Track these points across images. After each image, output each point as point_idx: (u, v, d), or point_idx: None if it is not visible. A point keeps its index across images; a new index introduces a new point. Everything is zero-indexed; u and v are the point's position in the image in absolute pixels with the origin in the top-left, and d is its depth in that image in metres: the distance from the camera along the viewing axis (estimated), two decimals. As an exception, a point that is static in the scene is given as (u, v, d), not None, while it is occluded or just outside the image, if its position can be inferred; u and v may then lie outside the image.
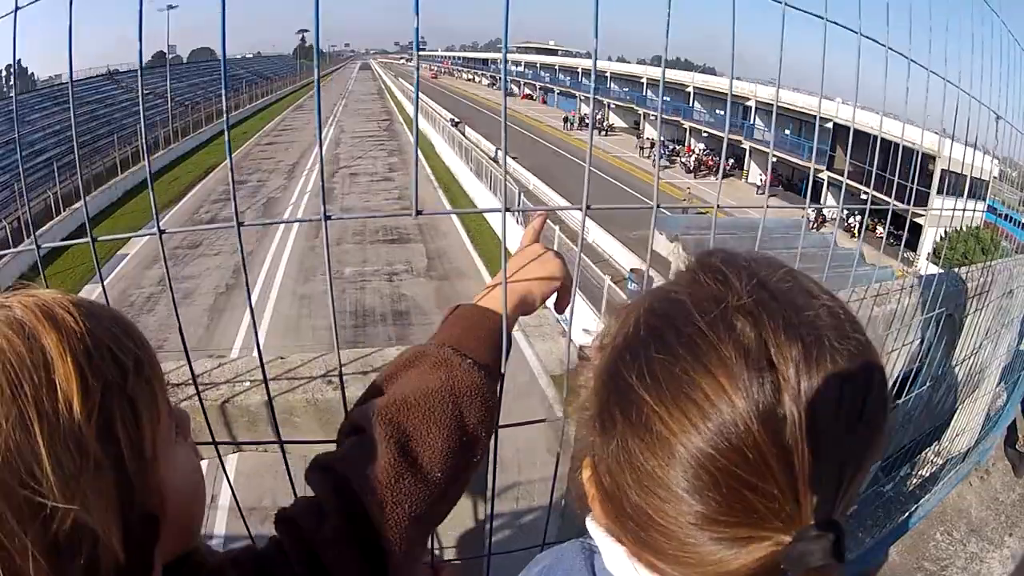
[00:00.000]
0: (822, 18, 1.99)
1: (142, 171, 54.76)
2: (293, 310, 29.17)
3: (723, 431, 0.86)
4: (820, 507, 0.85)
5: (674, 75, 73.04)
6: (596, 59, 1.58)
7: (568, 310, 1.74)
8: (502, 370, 1.56)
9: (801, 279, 1.00)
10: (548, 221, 2.30)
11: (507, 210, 1.70)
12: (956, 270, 4.46)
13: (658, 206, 1.81)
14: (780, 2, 1.91)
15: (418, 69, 1.71)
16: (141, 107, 2.57)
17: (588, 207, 1.70)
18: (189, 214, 44.28)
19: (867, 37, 2.26)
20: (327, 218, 1.61)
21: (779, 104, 50.81)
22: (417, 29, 1.46)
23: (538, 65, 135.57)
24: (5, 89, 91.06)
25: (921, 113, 2.83)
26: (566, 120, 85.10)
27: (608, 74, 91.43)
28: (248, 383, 2.32)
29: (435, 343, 1.49)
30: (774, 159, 55.69)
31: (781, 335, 0.88)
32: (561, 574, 1.25)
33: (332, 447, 1.42)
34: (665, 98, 72.92)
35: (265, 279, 32.36)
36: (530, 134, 74.48)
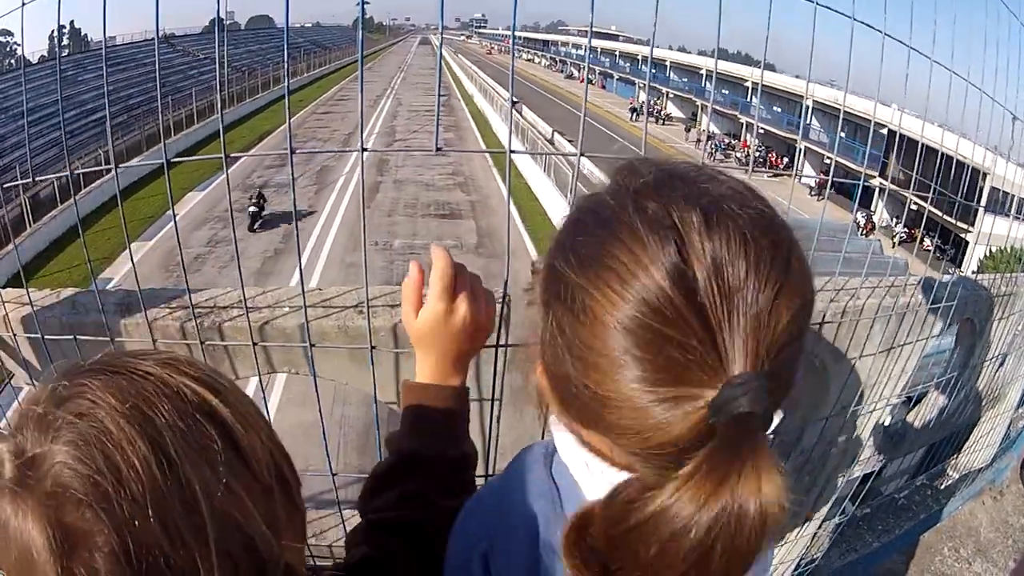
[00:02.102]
0: (882, 33, 2.11)
1: (194, 135, 55.15)
2: (340, 277, 28.95)
3: (641, 294, 0.94)
4: (742, 359, 0.91)
5: (733, 68, 71.85)
6: (653, 47, 1.70)
7: None
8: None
9: (709, 170, 1.10)
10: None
11: (511, 152, 1.85)
12: (979, 276, 4.43)
13: (583, 154, 1.94)
14: (843, 11, 2.03)
15: (442, 13, 1.85)
16: (217, 62, 2.70)
17: (583, 153, 1.84)
18: (242, 178, 44.33)
19: (920, 52, 2.37)
20: (364, 150, 1.79)
21: (826, 104, 50.22)
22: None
23: (599, 49, 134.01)
24: (57, 50, 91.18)
25: (974, 128, 2.93)
26: (633, 111, 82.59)
27: (668, 63, 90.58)
28: (287, 308, 2.47)
29: (406, 452, 1.71)
30: (828, 160, 55.02)
31: (683, 202, 0.98)
32: (523, 465, 1.38)
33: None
34: (723, 91, 72.11)
35: (315, 246, 32.31)
36: (588, 119, 73.28)
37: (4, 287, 3.04)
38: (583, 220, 1.10)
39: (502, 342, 2.28)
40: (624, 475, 1.12)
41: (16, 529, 0.85)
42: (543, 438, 1.48)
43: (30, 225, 31.84)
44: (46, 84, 54.29)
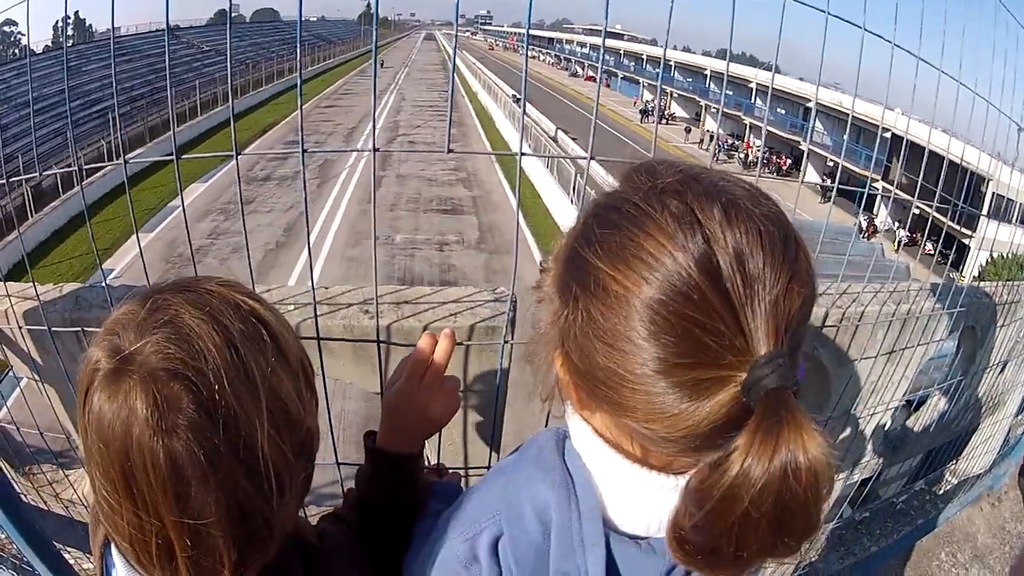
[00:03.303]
0: (892, 43, 2.11)
1: (198, 126, 55.30)
2: (340, 272, 29.06)
3: (669, 279, 1.02)
4: (766, 339, 1.00)
5: (738, 70, 71.73)
6: (666, 51, 1.72)
7: None
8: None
9: (721, 174, 1.18)
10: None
11: (521, 154, 1.88)
12: (982, 284, 4.45)
13: (593, 158, 1.98)
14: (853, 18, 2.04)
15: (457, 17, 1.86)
16: (228, 53, 2.70)
17: (593, 157, 1.87)
18: (244, 170, 44.32)
19: (927, 62, 2.38)
20: (376, 150, 1.83)
21: (830, 107, 50.19)
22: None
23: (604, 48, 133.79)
24: (62, 39, 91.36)
25: (978, 136, 2.94)
26: (643, 112, 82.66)
27: (672, 63, 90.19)
28: (293, 306, 2.47)
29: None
30: (831, 163, 55.05)
31: (703, 200, 1.07)
32: (534, 451, 1.40)
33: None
34: (728, 92, 72.08)
35: (316, 239, 32.17)
36: (591, 116, 73.08)
37: (5, 277, 3.05)
38: (607, 215, 1.15)
39: (507, 339, 2.30)
40: (638, 467, 1.23)
41: (115, 405, 1.14)
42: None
43: (32, 215, 31.82)
44: (50, 74, 54.38)
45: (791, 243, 1.07)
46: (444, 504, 1.59)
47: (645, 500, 1.23)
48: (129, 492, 1.17)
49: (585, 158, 2.07)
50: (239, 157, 1.91)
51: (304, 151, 1.86)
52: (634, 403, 1.09)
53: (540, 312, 1.31)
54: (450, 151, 1.85)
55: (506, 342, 2.31)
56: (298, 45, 1.85)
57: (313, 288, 2.28)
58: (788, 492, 0.96)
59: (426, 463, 2.06)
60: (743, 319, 1.00)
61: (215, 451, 1.16)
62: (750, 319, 1.00)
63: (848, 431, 3.84)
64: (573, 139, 54.84)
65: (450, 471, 2.28)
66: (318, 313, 2.34)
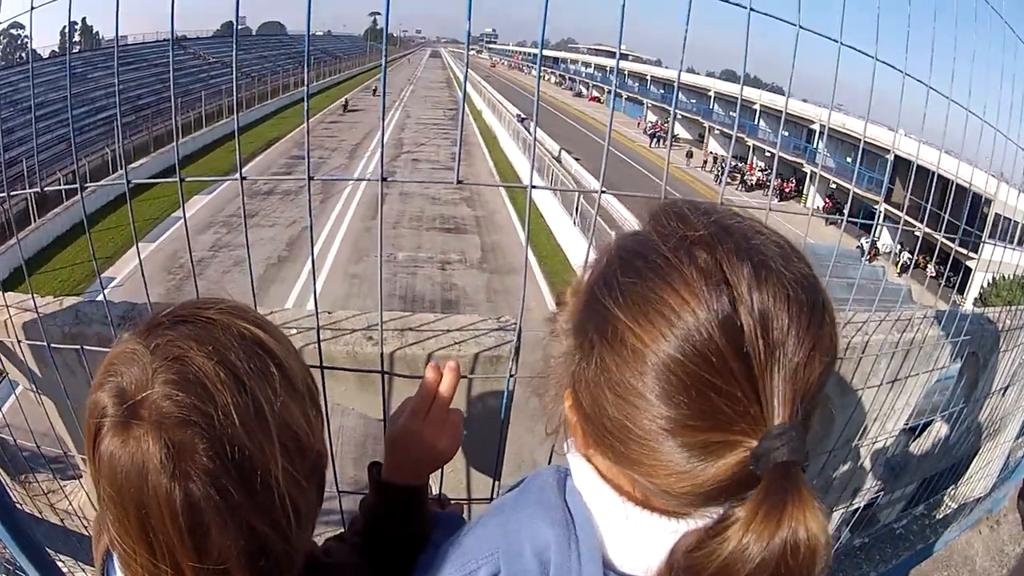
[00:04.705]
0: (903, 73, 2.11)
1: (202, 137, 55.38)
2: (343, 289, 29.09)
3: (689, 339, 0.99)
4: (782, 410, 0.98)
5: (740, 91, 71.78)
6: (680, 76, 1.72)
7: None
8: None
9: (752, 223, 1.15)
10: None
11: (532, 187, 1.87)
12: (983, 310, 4.45)
13: (604, 191, 1.98)
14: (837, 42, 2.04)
15: (468, 37, 1.87)
16: (235, 66, 2.69)
17: (604, 190, 1.87)
18: (249, 184, 44.28)
19: (935, 90, 2.39)
20: (384, 180, 1.83)
21: (837, 130, 50.22)
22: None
23: (608, 68, 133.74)
24: (68, 45, 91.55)
25: (983, 159, 2.94)
26: (653, 137, 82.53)
27: (676, 84, 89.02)
28: (295, 330, 2.47)
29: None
30: (834, 185, 55.09)
31: (733, 258, 1.03)
32: (535, 489, 1.36)
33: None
34: (731, 114, 72.14)
35: (318, 256, 32.23)
36: (594, 137, 73.07)
37: (5, 284, 3.04)
38: (632, 262, 1.12)
39: (512, 372, 2.29)
40: (639, 510, 1.21)
41: (127, 454, 1.13)
42: (549, 462, 1.48)
43: (35, 220, 31.87)
44: (55, 80, 54.49)
45: (818, 309, 1.05)
46: (448, 536, 1.55)
47: (645, 542, 1.21)
48: (145, 540, 1.18)
49: (596, 192, 2.07)
50: (244, 181, 1.90)
51: (311, 178, 1.85)
52: (639, 457, 1.09)
53: (553, 346, 1.29)
54: (460, 182, 1.84)
55: (511, 376, 2.28)
56: (306, 79, 1.84)
57: (317, 314, 2.26)
58: (784, 568, 0.95)
59: (430, 490, 2.06)
60: (761, 387, 0.99)
61: (231, 494, 1.16)
62: (768, 387, 0.99)
63: (850, 459, 3.83)
64: (576, 159, 54.88)
65: (452, 502, 2.27)
66: (322, 338, 2.33)
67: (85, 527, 3.37)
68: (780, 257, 1.06)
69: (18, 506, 3.16)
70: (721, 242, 1.06)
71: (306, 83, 1.95)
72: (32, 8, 2.23)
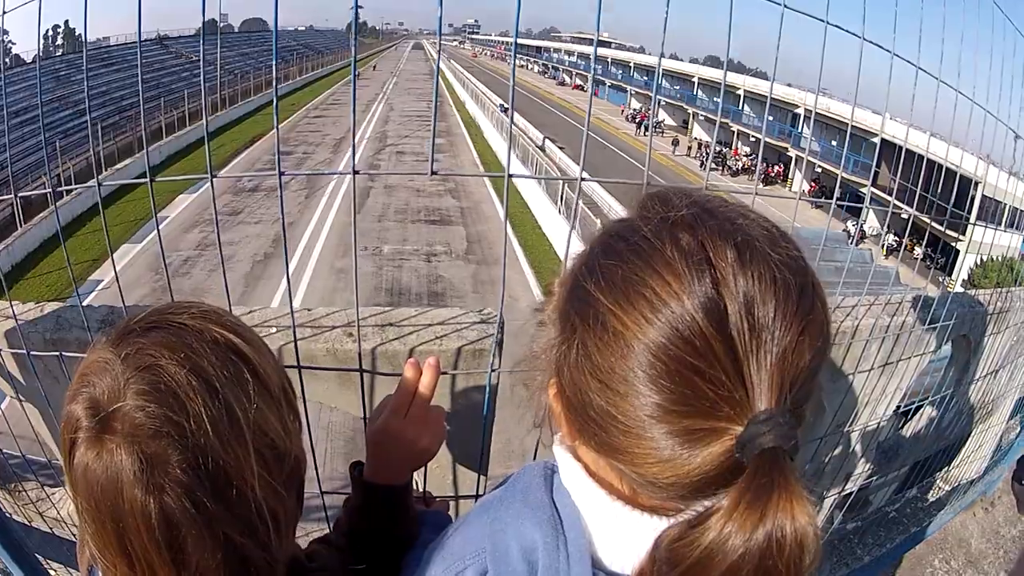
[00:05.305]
0: (891, 53, 2.09)
1: (185, 137, 55.38)
2: (329, 283, 29.17)
3: (672, 322, 0.96)
4: (768, 394, 0.94)
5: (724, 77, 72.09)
6: (660, 67, 1.70)
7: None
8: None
9: (737, 206, 1.12)
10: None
11: (509, 176, 1.85)
12: (974, 292, 4.45)
13: (583, 179, 1.96)
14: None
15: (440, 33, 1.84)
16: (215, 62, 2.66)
17: (584, 178, 1.85)
18: (232, 182, 44.42)
19: (925, 70, 2.36)
20: (355, 172, 1.80)
21: (823, 113, 50.41)
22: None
23: (591, 56, 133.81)
24: (51, 49, 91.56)
25: (964, 137, 2.92)
26: (638, 125, 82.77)
27: (660, 70, 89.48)
28: (275, 328, 2.44)
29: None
30: (819, 169, 55.27)
31: (717, 239, 1.00)
32: (521, 487, 1.34)
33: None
34: (715, 99, 72.35)
35: (303, 251, 32.42)
36: (579, 126, 72.98)
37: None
38: (615, 245, 1.10)
39: (495, 367, 2.26)
40: (628, 508, 1.17)
41: (101, 467, 1.12)
42: (535, 454, 1.46)
43: (21, 225, 31.87)
44: (36, 84, 54.58)
45: (807, 292, 1.02)
46: (435, 534, 1.54)
47: (634, 540, 1.17)
48: (124, 553, 1.17)
49: (576, 179, 2.04)
50: (214, 180, 1.88)
51: (281, 173, 1.83)
52: (624, 445, 1.05)
53: (539, 336, 1.27)
54: (434, 173, 1.81)
55: (494, 370, 2.27)
56: (274, 72, 1.82)
57: (292, 313, 2.24)
58: (770, 562, 0.92)
59: (415, 487, 2.06)
60: (746, 370, 0.95)
61: (206, 505, 1.16)
62: (754, 371, 0.95)
63: (842, 444, 3.82)
64: (560, 148, 54.97)
65: (437, 499, 2.27)
66: (301, 337, 2.31)
67: (74, 535, 3.36)
68: (766, 239, 1.04)
69: (8, 515, 3.15)
70: (704, 223, 1.04)
71: (274, 81, 1.92)
72: (3, 12, 2.20)
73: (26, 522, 3.53)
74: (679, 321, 0.96)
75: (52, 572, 3.18)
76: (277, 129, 1.89)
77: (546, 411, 1.28)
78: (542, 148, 53.95)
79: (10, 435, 3.30)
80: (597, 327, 1.04)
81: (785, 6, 2.07)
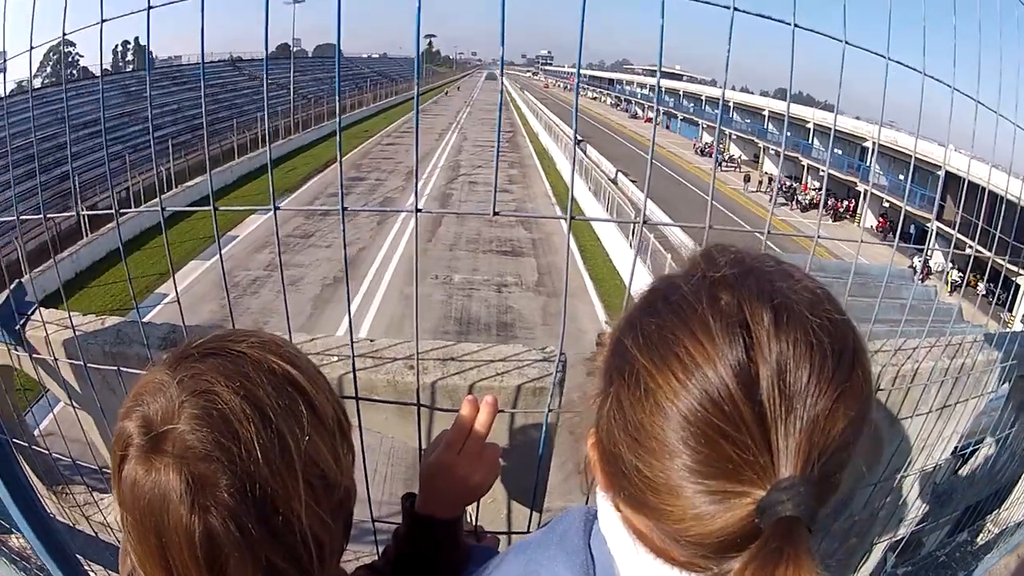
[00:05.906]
0: (951, 88, 2.10)
1: (258, 158, 56.10)
2: (399, 309, 29.22)
3: (702, 385, 0.97)
4: (793, 462, 0.94)
5: (795, 110, 70.93)
6: (723, 98, 1.73)
7: None
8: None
9: (787, 267, 1.12)
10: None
11: (572, 218, 1.88)
12: (1036, 331, 4.37)
13: (646, 221, 1.97)
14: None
15: (503, 70, 1.87)
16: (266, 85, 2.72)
17: (646, 221, 1.87)
18: (306, 199, 44.79)
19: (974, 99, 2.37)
20: (418, 211, 1.85)
21: (889, 147, 49.78)
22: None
23: (663, 89, 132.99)
24: (121, 65, 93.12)
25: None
26: (702, 153, 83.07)
27: (731, 104, 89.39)
28: (336, 357, 2.49)
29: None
30: (886, 205, 54.51)
31: (755, 301, 1.01)
32: (560, 531, 1.36)
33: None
34: (786, 133, 71.81)
35: (373, 277, 32.57)
36: (657, 162, 72.66)
37: (55, 300, 3.10)
38: (654, 302, 1.12)
39: (552, 406, 2.29)
40: (660, 561, 1.16)
41: (149, 483, 1.16)
42: (587, 501, 1.49)
43: (86, 235, 32.48)
44: (108, 98, 55.55)
45: (846, 358, 1.01)
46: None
47: None
48: (164, 567, 1.20)
49: (637, 223, 2.07)
50: (277, 212, 1.94)
51: (344, 208, 1.88)
52: (650, 501, 1.06)
53: (587, 385, 1.27)
54: (496, 213, 1.85)
55: (550, 410, 2.28)
56: (337, 102, 1.86)
57: (352, 344, 2.27)
58: None
59: (467, 520, 2.09)
60: (773, 436, 0.95)
61: (251, 530, 1.18)
62: (780, 437, 0.95)
63: (897, 489, 3.78)
64: (633, 181, 54.75)
65: (488, 535, 2.28)
66: (363, 367, 2.34)
67: (119, 540, 3.43)
68: (806, 302, 1.03)
69: (54, 517, 3.21)
70: (743, 284, 1.05)
71: (337, 111, 1.97)
72: (31, 48, 2.28)
73: (71, 524, 3.60)
74: (710, 385, 0.97)
75: (93, 574, 3.24)
76: (340, 164, 1.94)
77: (585, 460, 1.30)
78: (614, 181, 53.82)
79: (61, 438, 3.36)
80: (632, 383, 1.06)
81: (847, 43, 2.09)
